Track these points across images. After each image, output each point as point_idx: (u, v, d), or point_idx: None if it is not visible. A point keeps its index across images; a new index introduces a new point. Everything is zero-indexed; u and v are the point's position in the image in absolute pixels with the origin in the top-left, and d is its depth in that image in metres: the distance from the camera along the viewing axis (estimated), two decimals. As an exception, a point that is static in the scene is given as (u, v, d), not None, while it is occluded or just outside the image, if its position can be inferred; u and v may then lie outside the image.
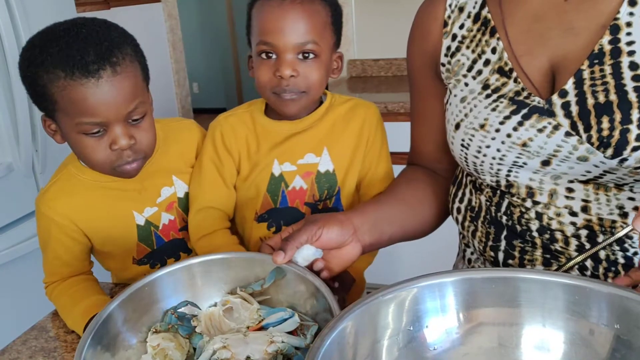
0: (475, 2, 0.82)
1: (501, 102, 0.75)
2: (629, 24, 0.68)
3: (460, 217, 0.88)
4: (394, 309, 0.63)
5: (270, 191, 1.03)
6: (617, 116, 0.67)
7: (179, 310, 0.77)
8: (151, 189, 1.00)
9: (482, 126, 0.77)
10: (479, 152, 0.78)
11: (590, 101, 0.69)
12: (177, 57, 3.27)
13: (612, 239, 0.71)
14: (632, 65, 0.67)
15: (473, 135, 0.78)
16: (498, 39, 0.78)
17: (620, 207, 0.71)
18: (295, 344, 0.70)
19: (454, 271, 0.65)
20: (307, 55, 0.92)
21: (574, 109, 0.70)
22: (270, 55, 0.92)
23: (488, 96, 0.77)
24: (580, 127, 0.69)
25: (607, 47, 0.69)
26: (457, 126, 0.80)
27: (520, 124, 0.73)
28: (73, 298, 0.95)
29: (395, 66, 2.62)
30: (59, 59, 0.80)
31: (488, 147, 0.76)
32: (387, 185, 1.07)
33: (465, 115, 0.79)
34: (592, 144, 0.69)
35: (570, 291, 0.61)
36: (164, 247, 1.04)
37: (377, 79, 2.62)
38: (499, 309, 0.64)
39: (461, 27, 0.83)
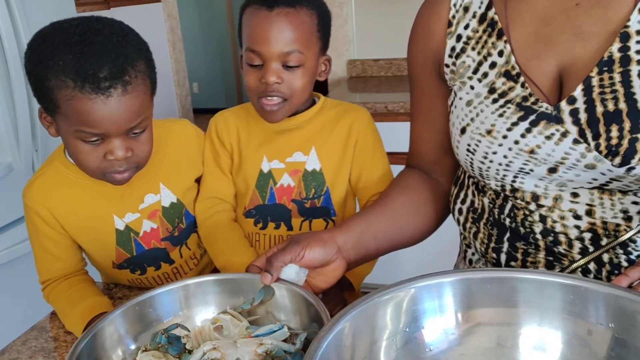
0: (481, 2, 0.80)
1: (508, 108, 0.74)
2: (639, 32, 0.67)
3: (461, 219, 0.88)
4: (392, 309, 0.63)
5: (259, 187, 1.07)
6: (627, 125, 0.66)
7: (169, 332, 0.77)
8: (134, 194, 0.99)
9: (489, 132, 0.76)
10: (485, 157, 0.77)
11: (600, 109, 0.68)
12: (177, 57, 3.27)
13: (615, 242, 0.71)
14: None
15: (479, 141, 0.77)
16: (505, 41, 0.76)
17: (625, 211, 0.71)
18: (285, 348, 0.71)
19: (451, 271, 0.65)
20: (291, 64, 0.96)
21: (583, 116, 0.69)
22: (257, 62, 0.97)
23: (495, 101, 0.76)
24: (589, 135, 0.69)
25: (617, 55, 0.68)
26: (463, 130, 0.79)
27: (528, 130, 0.72)
28: (71, 300, 0.95)
29: (395, 66, 2.62)
30: (71, 69, 0.79)
31: (495, 153, 0.76)
32: (385, 184, 1.07)
33: (472, 119, 0.78)
34: (600, 152, 0.68)
35: (567, 291, 0.62)
36: (144, 255, 1.03)
37: (377, 79, 2.62)
38: (496, 309, 0.65)
39: (466, 27, 0.81)
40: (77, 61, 0.79)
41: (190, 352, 0.75)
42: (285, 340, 0.73)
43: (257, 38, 0.95)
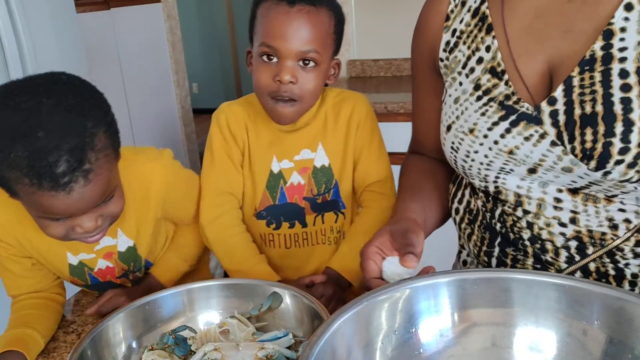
0: None
1: (490, 107, 0.74)
2: (623, 29, 0.65)
3: (458, 218, 0.88)
4: (387, 310, 0.63)
5: (270, 188, 1.05)
6: (601, 128, 0.65)
7: (177, 333, 0.78)
8: None
9: (471, 130, 0.75)
10: (467, 156, 0.77)
11: (577, 111, 0.67)
12: (177, 57, 3.27)
13: (601, 251, 0.70)
14: (622, 73, 0.65)
15: (462, 139, 0.77)
16: (494, 37, 0.75)
17: (610, 219, 0.70)
18: (286, 354, 0.71)
19: (447, 272, 0.65)
20: (307, 62, 0.94)
21: (562, 118, 0.68)
22: (272, 58, 0.94)
23: (479, 98, 0.75)
24: (565, 138, 0.68)
25: (599, 53, 0.66)
26: (449, 128, 0.79)
27: (508, 130, 0.72)
28: (14, 323, 0.91)
29: (395, 66, 2.62)
30: (25, 165, 0.70)
31: (476, 152, 0.75)
32: (383, 170, 1.09)
33: (457, 117, 0.78)
34: (575, 156, 0.67)
35: (562, 291, 0.62)
36: (100, 285, 1.01)
37: (376, 79, 2.62)
38: (492, 310, 0.65)
39: (461, 21, 0.80)
40: (30, 155, 0.70)
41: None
42: (290, 348, 0.74)
43: (276, 33, 0.92)
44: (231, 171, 1.05)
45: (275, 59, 0.94)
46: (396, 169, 1.12)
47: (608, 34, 0.66)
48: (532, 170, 0.72)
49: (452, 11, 0.82)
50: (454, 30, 0.81)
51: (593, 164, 0.66)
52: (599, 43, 0.66)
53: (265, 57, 0.94)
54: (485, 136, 0.74)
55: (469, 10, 0.80)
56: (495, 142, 0.73)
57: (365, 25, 2.63)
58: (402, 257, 0.66)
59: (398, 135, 1.79)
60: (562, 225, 0.73)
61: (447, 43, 0.82)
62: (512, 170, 0.74)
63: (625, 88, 0.65)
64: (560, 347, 0.63)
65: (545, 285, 0.63)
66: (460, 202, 0.87)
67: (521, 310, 0.64)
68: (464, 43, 0.79)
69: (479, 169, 0.77)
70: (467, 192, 0.85)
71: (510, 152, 0.72)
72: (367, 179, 1.08)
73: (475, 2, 0.80)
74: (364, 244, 0.72)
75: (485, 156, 0.75)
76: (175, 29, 3.26)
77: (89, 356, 0.71)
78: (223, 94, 5.94)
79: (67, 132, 0.71)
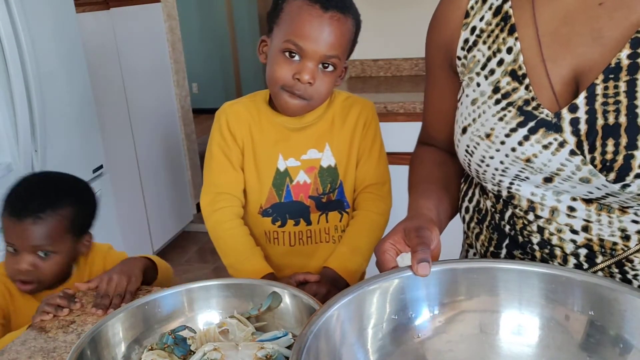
0: None
1: (509, 112, 0.71)
2: None
3: (467, 217, 0.87)
4: (379, 298, 0.65)
5: (276, 186, 1.08)
6: (623, 140, 0.63)
7: (177, 333, 0.79)
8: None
9: (488, 135, 0.73)
10: (482, 161, 0.75)
11: (600, 121, 0.65)
12: (177, 57, 3.26)
13: (611, 261, 0.70)
14: None
15: (478, 144, 0.75)
16: (516, 39, 0.72)
17: (623, 230, 0.69)
18: (286, 353, 0.71)
19: (437, 262, 0.67)
20: (327, 66, 0.98)
21: (583, 127, 0.66)
22: (294, 55, 0.97)
23: (497, 102, 0.73)
24: (586, 147, 0.66)
25: (625, 62, 0.64)
26: (464, 130, 0.77)
27: (526, 138, 0.70)
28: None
29: (395, 66, 2.62)
30: (15, 193, 1.10)
31: (492, 157, 0.74)
32: (382, 174, 1.10)
33: (474, 120, 0.76)
34: (595, 166, 0.66)
35: (546, 280, 0.65)
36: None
37: (376, 79, 2.62)
38: (479, 298, 0.68)
39: (481, 19, 0.77)
40: (20, 189, 1.10)
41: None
42: (289, 347, 0.74)
43: (305, 34, 0.95)
44: (229, 171, 1.08)
45: (297, 57, 0.96)
46: (395, 169, 1.13)
47: (636, 42, 0.64)
48: (548, 179, 0.71)
49: (472, 7, 0.78)
50: (474, 28, 0.78)
51: (612, 175, 0.65)
52: (626, 51, 0.64)
53: (287, 54, 0.97)
54: (503, 142, 0.72)
55: (490, 8, 0.77)
56: (513, 150, 0.71)
57: (364, 25, 2.62)
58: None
59: (398, 135, 1.79)
60: (574, 232, 0.72)
61: (466, 41, 0.79)
62: (527, 178, 0.73)
63: None
64: (544, 332, 0.66)
65: (529, 273, 0.66)
66: (470, 200, 0.86)
67: (507, 298, 0.67)
68: (484, 43, 0.76)
69: (494, 174, 0.75)
70: (477, 191, 0.84)
71: (528, 160, 0.71)
72: (366, 180, 1.10)
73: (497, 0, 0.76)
74: (378, 241, 0.72)
75: (501, 162, 0.73)
76: (175, 29, 3.25)
77: (88, 356, 0.72)
78: (223, 94, 5.94)
79: (47, 189, 1.11)
